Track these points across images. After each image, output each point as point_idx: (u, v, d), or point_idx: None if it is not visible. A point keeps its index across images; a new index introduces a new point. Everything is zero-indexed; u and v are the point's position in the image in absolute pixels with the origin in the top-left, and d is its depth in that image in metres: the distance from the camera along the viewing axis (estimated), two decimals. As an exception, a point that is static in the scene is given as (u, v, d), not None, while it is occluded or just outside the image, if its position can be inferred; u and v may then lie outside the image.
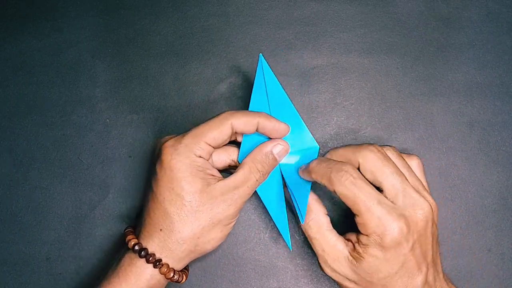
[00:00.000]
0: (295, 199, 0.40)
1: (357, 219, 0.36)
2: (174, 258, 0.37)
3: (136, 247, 0.37)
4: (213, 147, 0.39)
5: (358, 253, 0.37)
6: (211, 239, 0.38)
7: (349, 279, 0.38)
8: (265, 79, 0.41)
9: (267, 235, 0.45)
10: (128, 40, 0.49)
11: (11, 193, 0.46)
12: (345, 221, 0.45)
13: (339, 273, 0.38)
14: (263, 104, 0.41)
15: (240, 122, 0.38)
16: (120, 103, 0.48)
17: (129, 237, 0.38)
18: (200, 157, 0.38)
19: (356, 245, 0.37)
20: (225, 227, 0.38)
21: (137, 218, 0.44)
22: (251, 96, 0.41)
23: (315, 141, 0.42)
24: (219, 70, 0.48)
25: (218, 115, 0.39)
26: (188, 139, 0.37)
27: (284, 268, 0.45)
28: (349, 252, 0.37)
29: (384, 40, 0.48)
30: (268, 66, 0.41)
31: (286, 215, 0.41)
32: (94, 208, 0.46)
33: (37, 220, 0.46)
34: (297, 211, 0.40)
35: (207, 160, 0.39)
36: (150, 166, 0.45)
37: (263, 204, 0.46)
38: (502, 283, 0.45)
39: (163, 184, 0.37)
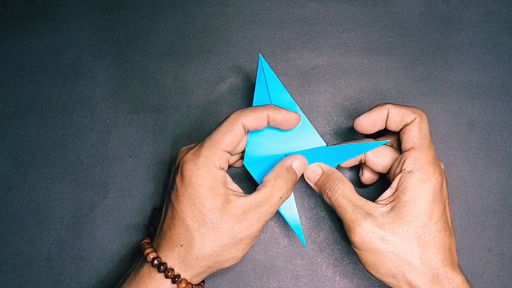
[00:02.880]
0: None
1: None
2: (193, 273, 0.37)
3: (156, 262, 0.37)
4: (230, 153, 0.39)
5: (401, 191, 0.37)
6: (231, 258, 0.38)
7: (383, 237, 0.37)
8: (266, 79, 0.41)
9: (267, 235, 0.45)
10: (128, 40, 0.49)
11: (11, 193, 0.46)
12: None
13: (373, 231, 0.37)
14: (264, 101, 0.41)
15: (250, 119, 0.38)
16: (120, 103, 0.48)
17: (148, 250, 0.38)
18: (221, 168, 0.38)
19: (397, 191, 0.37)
20: (246, 246, 0.38)
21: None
22: (254, 96, 0.41)
23: (322, 139, 0.42)
24: (219, 70, 0.48)
25: (227, 118, 0.38)
26: (206, 150, 0.37)
27: (284, 268, 0.45)
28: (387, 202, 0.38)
29: (384, 40, 0.48)
30: (268, 66, 0.41)
31: (297, 211, 0.41)
32: (94, 208, 0.46)
33: (37, 220, 0.46)
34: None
35: (227, 171, 0.39)
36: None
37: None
38: (502, 283, 0.45)
39: (185, 201, 0.37)
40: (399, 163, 0.38)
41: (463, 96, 0.47)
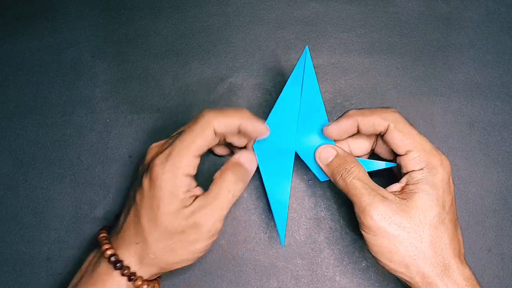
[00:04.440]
0: None
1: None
2: (148, 271, 0.38)
3: (113, 259, 0.37)
4: (201, 155, 0.38)
5: (410, 190, 0.37)
6: (185, 259, 0.38)
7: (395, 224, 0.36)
8: (305, 72, 0.40)
9: (267, 235, 0.45)
10: (128, 40, 0.49)
11: (11, 193, 0.46)
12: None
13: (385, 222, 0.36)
14: (295, 96, 0.41)
15: (222, 125, 0.38)
16: (120, 103, 0.48)
17: (105, 246, 0.38)
18: (188, 175, 0.37)
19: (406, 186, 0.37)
20: (200, 245, 0.38)
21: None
22: (286, 85, 0.40)
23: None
24: (219, 70, 0.48)
25: (199, 118, 0.38)
26: (175, 157, 0.37)
27: (284, 268, 0.45)
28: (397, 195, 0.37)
29: (384, 40, 0.48)
30: (311, 61, 0.40)
31: (287, 209, 0.41)
32: (94, 208, 0.46)
33: (37, 220, 0.46)
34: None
35: (194, 174, 0.38)
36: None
37: (263, 204, 0.46)
38: (502, 283, 0.45)
39: (146, 201, 0.37)
40: (402, 166, 0.38)
41: (463, 96, 0.47)
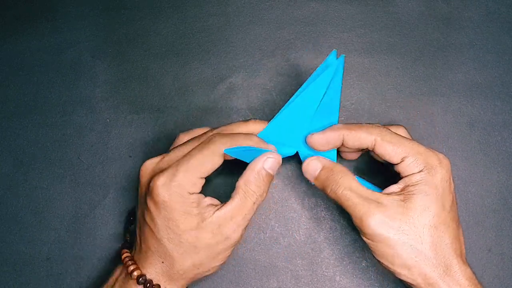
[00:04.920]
0: None
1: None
2: (179, 284, 0.39)
3: (141, 280, 0.37)
4: (208, 176, 0.38)
5: (408, 191, 0.36)
6: (211, 268, 0.39)
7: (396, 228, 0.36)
8: (334, 78, 0.39)
9: (267, 235, 0.45)
10: (128, 40, 0.49)
11: (11, 193, 0.46)
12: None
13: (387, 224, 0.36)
14: (315, 98, 0.40)
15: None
16: (120, 103, 0.48)
17: (132, 267, 0.38)
18: (194, 193, 0.37)
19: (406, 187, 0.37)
20: (225, 255, 0.38)
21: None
22: (310, 85, 0.40)
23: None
24: (219, 70, 0.48)
25: (209, 142, 0.37)
26: (181, 177, 0.36)
27: (284, 268, 0.45)
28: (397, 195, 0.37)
29: (384, 40, 0.48)
30: (343, 68, 0.40)
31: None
32: (94, 208, 0.46)
33: (37, 220, 0.46)
34: None
35: (201, 191, 0.38)
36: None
37: (263, 203, 0.46)
38: (502, 283, 0.45)
39: (160, 223, 0.37)
40: (400, 173, 0.38)
41: (463, 96, 0.47)
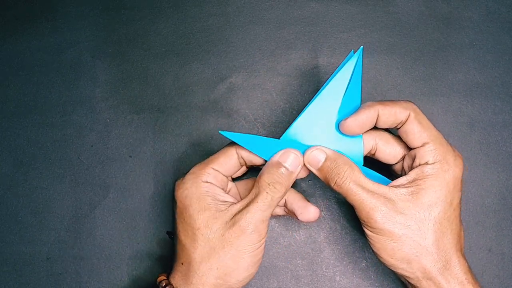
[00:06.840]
0: None
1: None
2: None
3: (163, 283, 0.37)
4: (225, 175, 0.39)
5: (418, 185, 0.36)
6: (238, 276, 0.37)
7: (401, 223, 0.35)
8: (353, 75, 0.38)
9: (267, 235, 0.45)
10: (128, 40, 0.49)
11: (11, 193, 0.46)
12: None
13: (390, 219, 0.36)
14: (338, 94, 0.38)
15: (245, 154, 0.39)
16: (120, 103, 0.48)
17: (161, 277, 0.39)
18: (207, 182, 0.37)
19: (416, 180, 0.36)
20: (246, 255, 0.37)
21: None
22: (330, 83, 0.38)
23: (362, 157, 0.39)
24: (219, 70, 0.48)
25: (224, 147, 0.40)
26: (195, 168, 0.39)
27: (284, 268, 0.45)
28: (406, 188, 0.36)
29: (384, 40, 0.48)
30: (362, 63, 0.38)
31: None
32: (94, 208, 0.46)
33: (37, 220, 0.46)
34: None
35: (222, 188, 0.39)
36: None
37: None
38: (502, 283, 0.45)
39: (177, 217, 0.38)
40: (413, 158, 0.37)
41: (463, 96, 0.47)
